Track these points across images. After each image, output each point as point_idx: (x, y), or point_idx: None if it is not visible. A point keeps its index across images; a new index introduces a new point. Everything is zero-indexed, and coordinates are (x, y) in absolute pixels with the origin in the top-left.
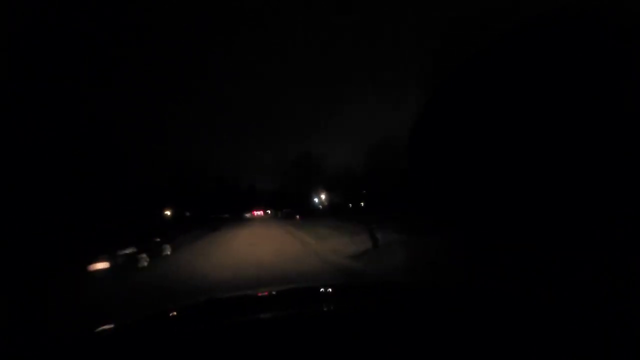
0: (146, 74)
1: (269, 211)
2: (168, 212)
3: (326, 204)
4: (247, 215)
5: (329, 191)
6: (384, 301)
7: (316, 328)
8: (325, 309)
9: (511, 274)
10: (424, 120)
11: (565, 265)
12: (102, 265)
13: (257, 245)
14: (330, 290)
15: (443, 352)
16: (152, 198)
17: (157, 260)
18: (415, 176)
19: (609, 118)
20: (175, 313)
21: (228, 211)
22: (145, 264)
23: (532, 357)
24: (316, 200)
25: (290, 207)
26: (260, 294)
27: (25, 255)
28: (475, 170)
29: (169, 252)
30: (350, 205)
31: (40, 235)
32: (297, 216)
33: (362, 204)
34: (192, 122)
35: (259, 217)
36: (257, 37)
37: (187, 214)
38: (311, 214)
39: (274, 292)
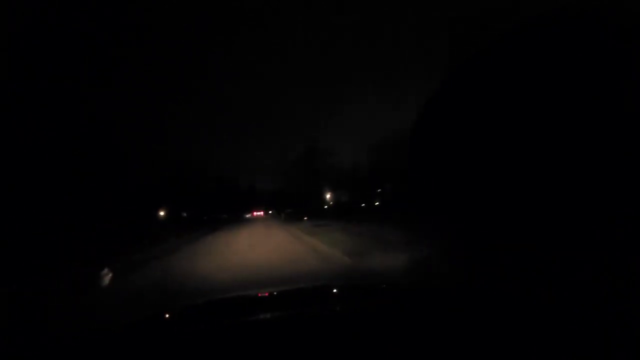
0: (146, 74)
1: (269, 211)
2: (162, 213)
3: (331, 203)
4: (247, 215)
5: (333, 190)
6: (384, 301)
7: (316, 329)
8: (325, 310)
9: (511, 274)
10: (423, 120)
11: (565, 265)
12: None
13: (260, 261)
14: (330, 290)
15: (443, 352)
16: (152, 198)
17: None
18: (415, 176)
19: (609, 118)
20: (174, 314)
21: (227, 211)
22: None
23: (532, 357)
24: (322, 199)
25: (292, 207)
26: (260, 295)
27: (25, 255)
28: (475, 170)
29: (107, 282)
30: (363, 205)
31: (40, 235)
32: (305, 217)
33: (377, 203)
34: (192, 122)
35: (259, 218)
36: (257, 37)
37: (184, 214)
38: (317, 215)
39: (274, 293)
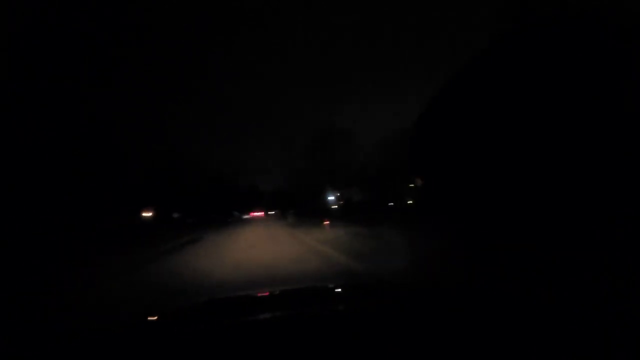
0: (146, 74)
1: (270, 212)
2: (148, 214)
3: (340, 202)
4: (246, 216)
5: (345, 187)
6: (384, 301)
7: (316, 329)
8: (324, 310)
9: (511, 274)
10: (424, 120)
11: (565, 265)
12: None
13: None
14: (330, 290)
15: (443, 352)
16: (150, 198)
17: None
18: (415, 176)
19: (609, 118)
20: (173, 313)
21: (225, 212)
22: None
23: (532, 357)
24: (331, 198)
25: (295, 207)
26: (260, 295)
27: (25, 255)
28: (475, 170)
29: None
30: (392, 204)
31: (40, 235)
32: (325, 221)
33: (410, 202)
34: (192, 122)
35: (259, 220)
36: (257, 37)
37: (175, 215)
38: (328, 217)
39: (273, 293)
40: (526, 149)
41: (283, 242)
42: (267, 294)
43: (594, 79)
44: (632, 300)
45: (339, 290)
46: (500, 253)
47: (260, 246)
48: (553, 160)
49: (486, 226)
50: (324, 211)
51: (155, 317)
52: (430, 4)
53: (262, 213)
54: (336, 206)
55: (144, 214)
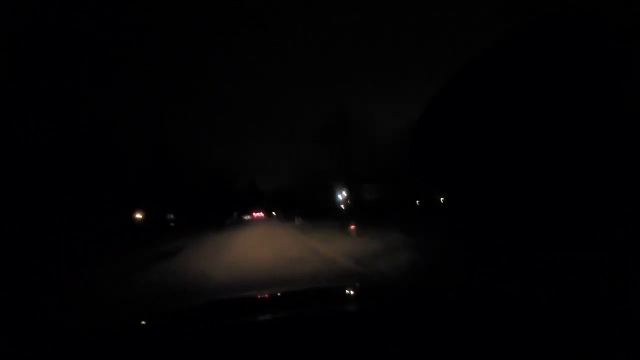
0: (146, 74)
1: (272, 213)
2: (139, 216)
3: (348, 202)
4: (246, 217)
5: (355, 184)
6: (384, 302)
7: (316, 329)
8: (325, 311)
9: (511, 274)
10: (424, 120)
11: (565, 265)
12: None
13: None
14: (329, 292)
15: (443, 353)
16: (148, 199)
17: None
18: (415, 176)
19: (609, 118)
20: (174, 314)
21: (224, 212)
22: None
23: (532, 357)
24: (340, 197)
25: (298, 207)
26: (260, 296)
27: (25, 255)
28: (475, 170)
29: None
30: (417, 201)
31: (40, 235)
32: (351, 226)
33: (442, 200)
34: (192, 122)
35: (260, 220)
36: (257, 37)
37: (171, 216)
38: (344, 219)
39: (274, 294)
40: (526, 149)
41: (290, 249)
42: (267, 295)
43: (594, 79)
44: (632, 300)
45: (339, 291)
46: (500, 253)
47: (263, 260)
48: (553, 159)
49: (487, 226)
50: (334, 211)
51: (155, 318)
52: (430, 4)
53: (262, 214)
54: (347, 206)
55: (135, 216)
